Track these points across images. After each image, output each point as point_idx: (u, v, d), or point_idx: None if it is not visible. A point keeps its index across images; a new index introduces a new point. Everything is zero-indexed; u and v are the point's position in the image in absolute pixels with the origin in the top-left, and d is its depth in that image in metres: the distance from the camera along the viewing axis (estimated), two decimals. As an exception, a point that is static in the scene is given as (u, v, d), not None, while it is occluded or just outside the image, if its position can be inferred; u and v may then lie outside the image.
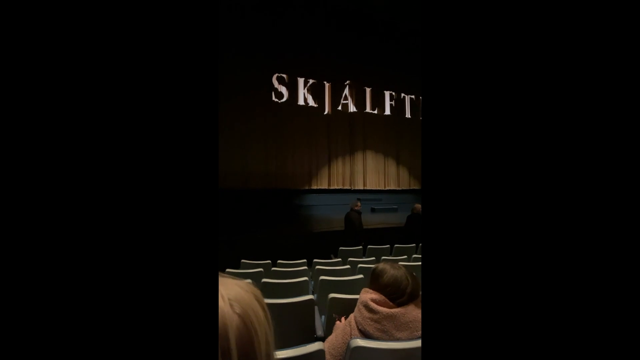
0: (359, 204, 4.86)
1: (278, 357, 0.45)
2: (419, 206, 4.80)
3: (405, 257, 3.45)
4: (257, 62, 6.56)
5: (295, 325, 1.57)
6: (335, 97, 7.39)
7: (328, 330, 1.57)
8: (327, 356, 1.07)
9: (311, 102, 7.15)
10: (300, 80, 7.04)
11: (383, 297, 1.09)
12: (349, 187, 7.58)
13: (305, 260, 3.48)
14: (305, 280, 2.26)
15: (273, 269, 2.83)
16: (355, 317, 1.12)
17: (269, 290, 2.06)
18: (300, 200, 7.22)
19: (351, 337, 1.05)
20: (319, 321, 1.81)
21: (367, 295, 1.11)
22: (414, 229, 4.65)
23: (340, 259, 3.46)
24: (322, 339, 1.30)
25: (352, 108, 7.57)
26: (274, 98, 6.80)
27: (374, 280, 1.15)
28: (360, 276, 2.28)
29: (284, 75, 6.88)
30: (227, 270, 2.73)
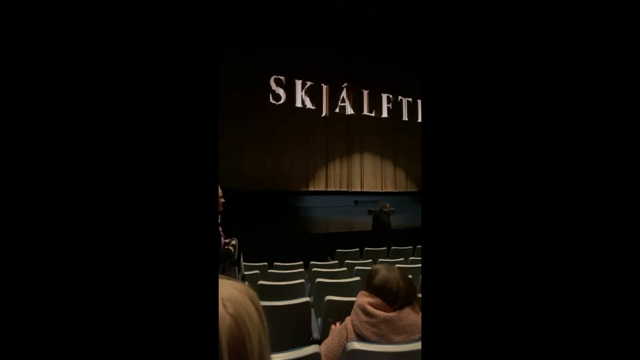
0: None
1: None
2: (382, 204, 4.81)
3: (402, 259, 3.45)
4: (255, 64, 6.57)
5: (291, 328, 1.57)
6: (333, 100, 7.40)
7: (324, 333, 1.56)
8: (324, 359, 1.07)
9: (309, 104, 7.16)
10: (298, 82, 7.06)
11: (380, 301, 1.08)
12: (346, 189, 7.60)
13: (302, 262, 3.48)
14: (302, 283, 2.25)
15: (270, 271, 2.82)
16: (352, 320, 1.11)
17: (265, 293, 2.06)
18: (298, 202, 7.22)
19: (347, 340, 1.05)
20: (315, 324, 1.80)
21: (365, 299, 1.11)
22: (380, 230, 4.61)
23: (337, 261, 3.46)
24: (319, 342, 1.30)
25: (349, 110, 7.59)
26: (271, 100, 6.80)
27: (368, 281, 1.16)
28: (357, 278, 2.28)
29: (282, 77, 6.89)
30: (224, 272, 2.71)
